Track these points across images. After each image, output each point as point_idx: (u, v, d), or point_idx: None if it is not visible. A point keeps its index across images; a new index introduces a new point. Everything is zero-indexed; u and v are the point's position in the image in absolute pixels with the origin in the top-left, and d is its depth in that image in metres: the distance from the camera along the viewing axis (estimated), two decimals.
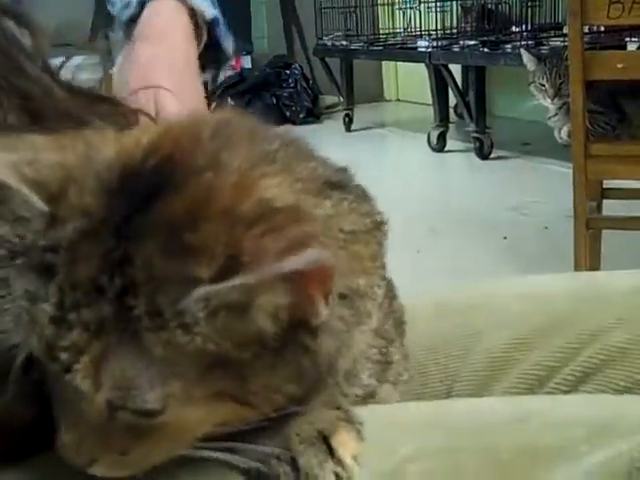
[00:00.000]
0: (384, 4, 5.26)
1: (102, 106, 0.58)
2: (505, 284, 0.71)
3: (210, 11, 0.83)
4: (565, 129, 3.06)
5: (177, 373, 0.41)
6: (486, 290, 0.66)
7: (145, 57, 0.71)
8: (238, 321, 0.41)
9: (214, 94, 0.89)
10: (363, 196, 0.52)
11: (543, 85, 3.18)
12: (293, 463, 0.43)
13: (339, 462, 0.43)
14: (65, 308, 0.41)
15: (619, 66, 2.18)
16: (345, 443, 0.44)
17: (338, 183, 0.49)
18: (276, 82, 5.57)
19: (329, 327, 0.44)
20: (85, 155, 0.44)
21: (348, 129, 5.20)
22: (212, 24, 0.83)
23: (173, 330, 0.40)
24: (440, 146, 4.61)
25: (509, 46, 3.99)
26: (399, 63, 5.93)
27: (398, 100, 6.53)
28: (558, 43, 3.73)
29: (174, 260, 0.40)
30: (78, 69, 0.79)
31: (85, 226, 0.41)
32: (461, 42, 4.33)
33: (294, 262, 0.39)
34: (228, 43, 0.87)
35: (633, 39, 3.04)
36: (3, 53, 0.55)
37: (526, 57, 3.27)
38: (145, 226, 0.41)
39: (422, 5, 4.74)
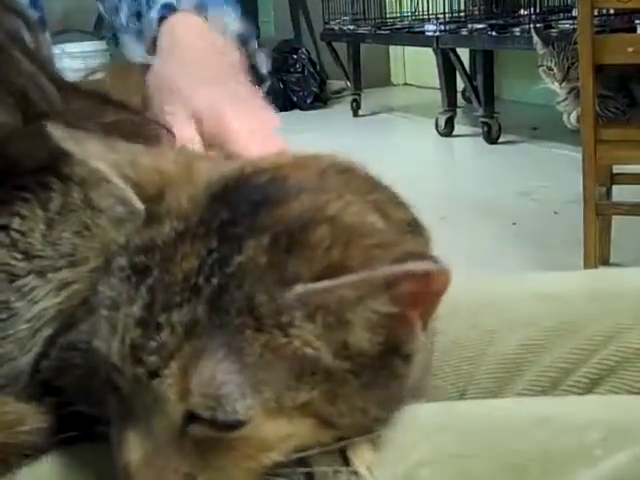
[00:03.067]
0: None
1: (105, 110, 0.57)
2: (518, 283, 0.69)
3: (237, 25, 0.81)
4: (574, 114, 3.04)
5: (270, 380, 0.39)
6: (499, 289, 0.65)
7: (199, 89, 0.66)
8: (336, 326, 0.39)
9: None
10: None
11: (551, 69, 3.16)
12: (307, 472, 0.42)
13: (353, 472, 0.43)
14: (155, 309, 0.39)
15: (629, 50, 2.16)
16: (360, 453, 0.43)
17: (418, 227, 0.49)
18: (283, 67, 5.54)
19: (419, 352, 0.43)
20: (186, 165, 0.44)
21: (356, 114, 5.18)
22: (242, 40, 0.80)
23: (271, 330, 0.39)
24: (448, 131, 4.59)
25: (517, 29, 3.96)
26: (406, 47, 5.90)
27: (405, 84, 6.51)
28: (567, 26, 3.70)
29: (276, 259, 0.40)
30: (86, 55, 0.78)
31: (182, 227, 0.41)
32: (469, 26, 4.30)
33: (401, 268, 0.38)
34: (262, 61, 0.84)
35: None
36: (1, 49, 0.53)
37: (535, 39, 3.25)
38: (248, 229, 0.40)
39: None
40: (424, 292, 0.39)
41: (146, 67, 0.73)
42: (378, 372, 0.41)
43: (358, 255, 0.39)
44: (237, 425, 0.39)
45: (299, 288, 0.39)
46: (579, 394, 0.60)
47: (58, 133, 0.42)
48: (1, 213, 0.55)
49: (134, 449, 0.41)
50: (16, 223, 0.55)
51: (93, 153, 0.42)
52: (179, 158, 0.45)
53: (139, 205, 0.42)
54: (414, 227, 0.47)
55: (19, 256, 0.54)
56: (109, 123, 0.54)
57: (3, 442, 0.51)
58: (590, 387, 0.60)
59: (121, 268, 0.41)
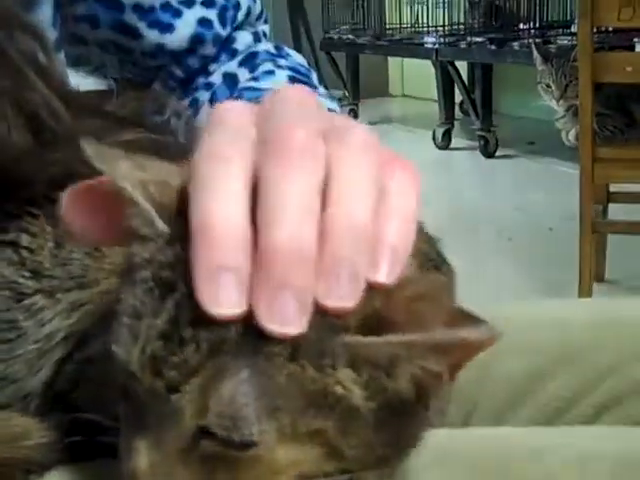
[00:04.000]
0: None
1: (121, 129, 0.57)
2: (523, 309, 0.69)
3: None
4: (573, 132, 3.05)
5: (289, 408, 0.38)
6: (504, 314, 0.65)
7: None
8: (380, 378, 0.39)
9: None
10: None
11: (549, 86, 3.17)
12: None
13: None
14: (180, 324, 0.39)
15: (628, 69, 2.17)
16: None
17: (443, 262, 0.48)
18: None
19: (440, 400, 0.43)
20: None
21: None
22: None
23: (303, 364, 0.38)
24: (445, 143, 4.60)
25: (516, 44, 3.98)
26: (405, 58, 5.91)
27: (404, 95, 6.52)
28: (566, 42, 3.72)
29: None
30: None
31: None
32: (468, 39, 4.31)
33: (458, 335, 0.37)
34: None
35: None
36: (15, 69, 0.53)
37: (535, 54, 3.26)
38: None
39: (430, 0, 4.72)
40: (467, 355, 0.39)
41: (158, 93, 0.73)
42: (396, 414, 0.41)
43: (401, 308, 0.38)
44: (249, 446, 0.39)
45: (348, 339, 0.38)
46: (583, 424, 0.59)
47: (89, 150, 0.42)
48: (10, 228, 0.55)
49: (142, 457, 0.41)
50: (25, 240, 0.54)
51: (122, 172, 0.42)
52: None
53: (162, 226, 0.41)
54: (439, 262, 0.46)
55: (27, 274, 0.54)
56: (126, 141, 0.54)
57: (8, 456, 0.50)
58: (594, 417, 0.59)
59: (144, 280, 0.41)
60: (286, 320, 0.36)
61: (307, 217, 0.36)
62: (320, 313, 0.38)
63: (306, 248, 0.36)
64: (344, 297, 0.37)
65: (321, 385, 0.38)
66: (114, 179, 0.41)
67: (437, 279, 0.44)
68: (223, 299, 0.36)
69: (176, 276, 0.40)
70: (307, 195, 0.37)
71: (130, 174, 0.42)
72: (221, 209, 0.37)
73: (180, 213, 0.41)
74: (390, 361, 0.39)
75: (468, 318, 0.38)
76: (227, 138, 0.39)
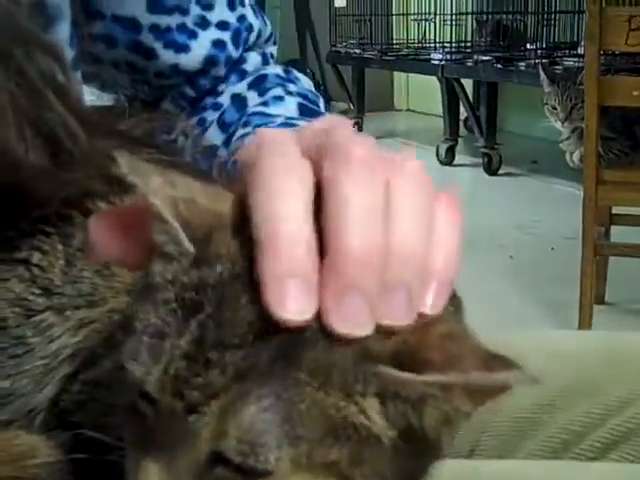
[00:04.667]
0: (399, 14, 5.26)
1: (137, 150, 0.57)
2: (533, 339, 0.69)
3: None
4: (577, 154, 3.06)
5: (308, 436, 0.38)
6: (513, 344, 0.65)
7: None
8: (406, 412, 0.39)
9: None
10: None
11: (555, 107, 3.18)
12: None
13: None
14: (206, 346, 0.38)
15: (635, 93, 2.18)
16: None
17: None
18: None
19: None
20: (240, 212, 0.43)
21: None
22: None
23: (331, 394, 0.38)
24: (448, 160, 4.61)
25: (523, 64, 3.99)
26: (411, 74, 5.92)
27: (408, 110, 6.53)
28: (572, 63, 3.73)
29: None
30: None
31: (236, 270, 0.40)
32: (475, 57, 4.32)
33: (495, 379, 0.37)
34: None
35: None
36: (34, 89, 0.54)
37: (542, 76, 3.27)
38: None
39: (437, 17, 4.74)
40: (498, 393, 0.39)
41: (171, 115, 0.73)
42: (414, 447, 0.41)
43: (434, 345, 0.38)
44: (263, 474, 0.38)
45: (382, 368, 0.38)
46: (591, 459, 0.59)
47: (123, 162, 0.42)
48: (22, 246, 0.55)
49: (152, 479, 0.41)
50: (36, 258, 0.55)
51: (153, 188, 0.42)
52: (236, 200, 0.44)
53: (188, 246, 0.41)
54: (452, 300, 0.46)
55: (37, 291, 0.54)
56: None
57: (14, 475, 0.50)
58: (602, 452, 0.59)
59: (167, 301, 0.41)
60: (355, 321, 0.36)
61: (376, 226, 0.37)
62: (357, 348, 0.38)
63: (376, 255, 0.37)
64: (398, 318, 0.37)
65: (343, 413, 0.38)
66: (145, 194, 0.41)
67: (458, 315, 0.44)
68: (292, 305, 0.36)
69: (201, 298, 0.40)
70: (375, 207, 0.37)
71: (161, 190, 0.42)
72: (288, 214, 0.37)
73: (204, 236, 0.42)
74: (421, 399, 0.38)
75: (500, 360, 0.38)
76: (285, 150, 0.40)
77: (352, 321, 0.36)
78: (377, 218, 0.37)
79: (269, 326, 0.38)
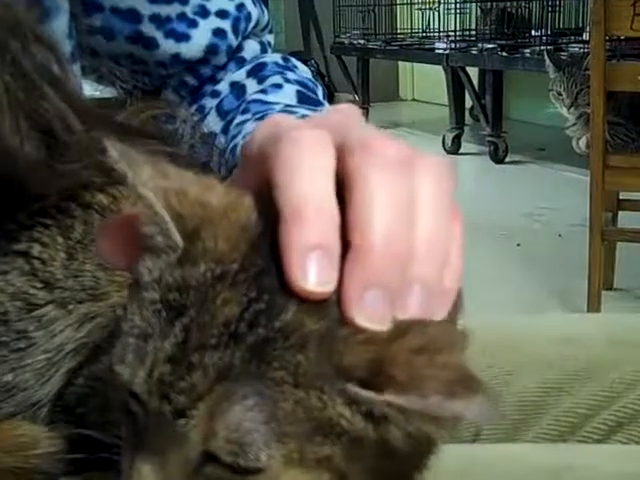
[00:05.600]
0: (403, 4, 5.25)
1: (133, 142, 0.56)
2: (536, 324, 0.69)
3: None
4: (584, 140, 3.04)
5: (296, 434, 0.38)
6: (516, 330, 0.65)
7: None
8: (374, 425, 0.39)
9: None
10: None
11: (560, 94, 3.17)
12: None
13: None
14: (188, 349, 0.38)
15: None
16: None
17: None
18: None
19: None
20: (229, 204, 0.43)
21: None
22: None
23: (309, 394, 0.38)
24: (455, 148, 4.59)
25: (528, 51, 3.97)
26: (416, 63, 5.91)
27: (414, 100, 6.52)
28: (577, 49, 3.71)
29: (325, 331, 0.38)
30: None
31: (219, 271, 0.39)
32: (479, 45, 4.30)
33: (454, 408, 0.37)
34: None
35: None
36: (29, 81, 0.53)
37: (548, 62, 3.26)
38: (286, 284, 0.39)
39: (441, 6, 4.72)
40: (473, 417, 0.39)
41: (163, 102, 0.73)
42: (397, 454, 0.41)
43: (403, 361, 0.38)
44: (255, 472, 0.39)
45: (347, 387, 0.38)
46: (597, 440, 0.59)
47: (114, 152, 0.42)
48: (21, 238, 0.55)
49: (145, 479, 0.41)
50: (36, 250, 0.54)
51: (143, 178, 0.42)
52: (229, 192, 0.44)
53: (178, 239, 0.41)
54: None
55: (39, 285, 0.54)
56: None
57: (16, 466, 0.50)
58: (608, 434, 0.59)
59: (152, 301, 0.41)
60: (376, 316, 0.37)
61: (401, 222, 0.37)
62: (325, 349, 0.38)
63: (401, 253, 0.37)
64: (412, 314, 0.38)
65: (327, 415, 0.38)
66: (135, 185, 0.41)
67: (445, 325, 0.44)
68: (315, 276, 0.36)
69: (184, 299, 0.40)
70: (401, 202, 0.37)
71: (152, 181, 0.42)
72: (314, 189, 0.37)
73: (193, 229, 0.41)
74: (383, 417, 0.38)
75: (467, 385, 0.37)
76: (310, 134, 0.40)
77: (372, 315, 0.36)
78: (402, 214, 0.37)
79: (239, 326, 0.38)
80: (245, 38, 0.82)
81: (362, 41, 5.19)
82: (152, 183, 0.41)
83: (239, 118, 0.76)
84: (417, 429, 0.39)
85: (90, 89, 0.71)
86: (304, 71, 0.85)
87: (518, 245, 3.04)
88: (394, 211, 0.37)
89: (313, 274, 0.36)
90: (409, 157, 0.39)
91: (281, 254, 0.38)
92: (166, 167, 0.43)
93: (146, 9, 0.74)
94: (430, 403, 0.37)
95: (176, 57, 0.77)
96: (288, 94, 0.79)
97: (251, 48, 0.83)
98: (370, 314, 0.36)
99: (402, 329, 0.39)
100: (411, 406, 0.37)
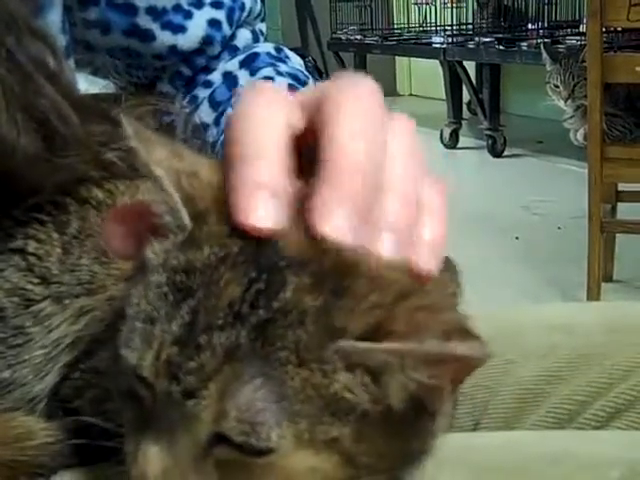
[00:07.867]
0: None
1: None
2: (534, 313, 0.69)
3: None
4: (581, 132, 3.04)
5: (306, 413, 0.38)
6: (514, 319, 0.65)
7: None
8: (372, 382, 0.39)
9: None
10: None
11: (557, 86, 3.16)
12: None
13: None
14: (196, 330, 0.39)
15: (638, 69, 2.16)
16: None
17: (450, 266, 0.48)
18: None
19: (445, 414, 0.42)
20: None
21: None
22: None
23: (312, 369, 0.38)
24: (453, 143, 4.59)
25: (525, 44, 3.97)
26: (413, 58, 5.91)
27: (411, 95, 6.51)
28: (574, 42, 3.71)
29: (322, 303, 0.39)
30: None
31: (222, 252, 0.40)
32: (476, 39, 4.30)
33: (447, 349, 0.37)
34: None
35: None
36: (25, 74, 0.53)
37: (544, 55, 3.25)
38: (287, 264, 0.40)
39: (437, 0, 4.72)
40: (470, 367, 0.39)
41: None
42: (405, 423, 0.41)
43: (403, 318, 0.38)
44: (266, 452, 0.39)
45: (344, 344, 0.38)
46: (596, 427, 0.59)
47: (129, 130, 0.42)
48: (17, 235, 0.55)
49: (154, 462, 0.40)
50: (32, 246, 0.54)
51: (157, 157, 0.42)
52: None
53: (187, 220, 0.41)
54: (446, 265, 0.46)
55: (35, 280, 0.54)
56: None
57: (12, 459, 0.50)
58: (607, 421, 0.59)
59: (158, 284, 0.41)
60: (342, 231, 0.38)
61: (373, 149, 0.40)
62: (315, 312, 0.38)
63: (370, 173, 0.39)
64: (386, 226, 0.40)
65: (332, 390, 0.39)
66: (147, 163, 0.41)
67: (445, 288, 0.44)
68: (261, 213, 0.38)
69: (191, 281, 0.40)
70: (373, 134, 0.40)
71: (165, 161, 0.42)
72: (258, 137, 0.40)
73: (202, 211, 0.41)
74: (380, 368, 0.39)
75: (463, 333, 0.38)
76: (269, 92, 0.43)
77: (338, 230, 0.38)
78: (374, 143, 0.40)
79: (242, 306, 0.39)
80: (238, 27, 0.82)
81: (359, 37, 5.18)
82: (167, 163, 0.42)
83: (230, 110, 0.76)
84: (411, 378, 0.39)
85: (82, 83, 0.71)
86: (297, 62, 0.86)
87: (517, 238, 3.04)
88: (365, 135, 0.39)
89: (257, 212, 0.38)
90: (386, 114, 0.42)
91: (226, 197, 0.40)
92: (181, 149, 0.44)
93: (142, 1, 0.74)
94: (426, 345, 0.37)
95: (173, 49, 0.77)
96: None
97: (243, 37, 0.83)
98: (335, 228, 0.38)
99: (403, 294, 0.39)
100: (408, 348, 0.38)
